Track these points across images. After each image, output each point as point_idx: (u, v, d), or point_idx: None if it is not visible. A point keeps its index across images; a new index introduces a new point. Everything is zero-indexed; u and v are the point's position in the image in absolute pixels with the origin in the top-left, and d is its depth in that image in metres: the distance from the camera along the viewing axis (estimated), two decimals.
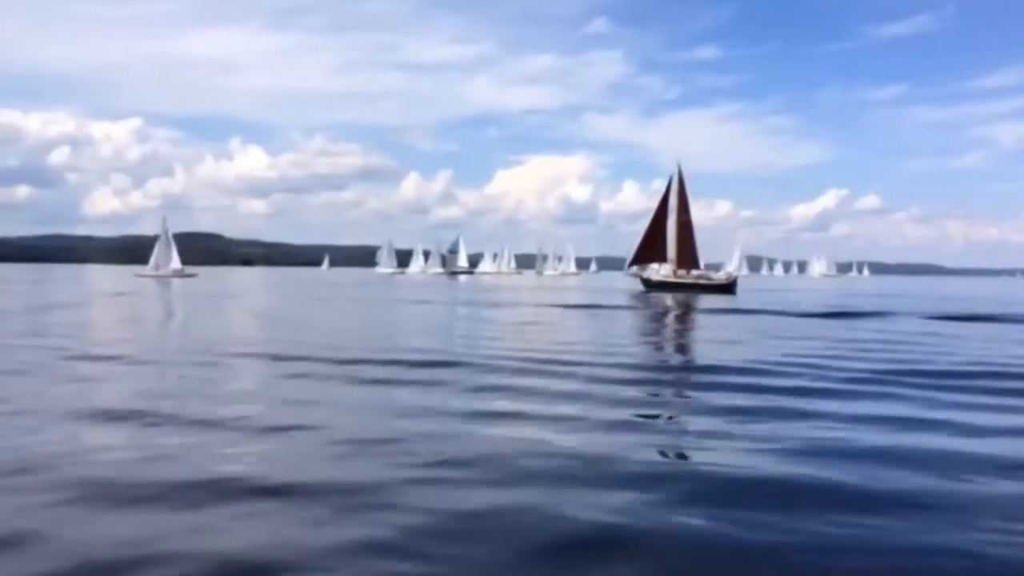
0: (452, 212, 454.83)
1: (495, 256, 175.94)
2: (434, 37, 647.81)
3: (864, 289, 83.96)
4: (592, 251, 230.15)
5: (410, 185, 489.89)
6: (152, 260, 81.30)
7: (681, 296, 52.46)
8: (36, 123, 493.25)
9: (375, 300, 46.05)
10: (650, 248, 61.94)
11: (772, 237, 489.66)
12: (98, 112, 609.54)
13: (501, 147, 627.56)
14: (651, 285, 60.97)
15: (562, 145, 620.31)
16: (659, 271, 62.34)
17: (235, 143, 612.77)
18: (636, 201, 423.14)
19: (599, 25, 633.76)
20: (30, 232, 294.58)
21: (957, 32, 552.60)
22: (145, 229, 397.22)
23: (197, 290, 57.10)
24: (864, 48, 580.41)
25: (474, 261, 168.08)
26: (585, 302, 43.70)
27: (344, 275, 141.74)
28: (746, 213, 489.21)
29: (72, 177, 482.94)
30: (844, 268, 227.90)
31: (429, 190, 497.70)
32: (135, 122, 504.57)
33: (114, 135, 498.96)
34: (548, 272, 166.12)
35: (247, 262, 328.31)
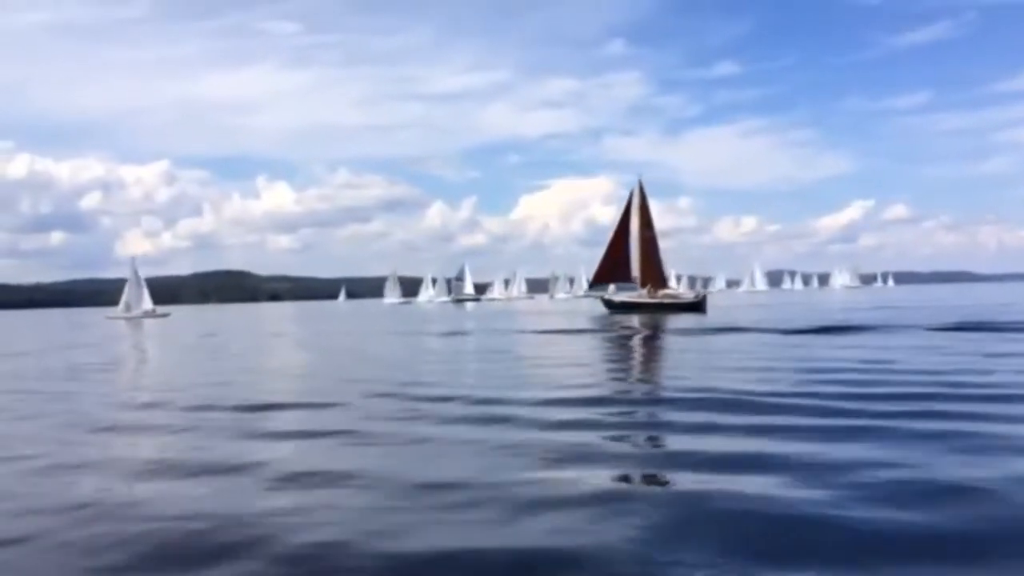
0: (477, 239, 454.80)
1: (506, 281, 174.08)
2: (451, 66, 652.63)
3: (866, 300, 79.85)
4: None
5: (435, 214, 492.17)
6: (122, 301, 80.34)
7: (647, 317, 49.70)
8: (67, 170, 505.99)
9: (353, 334, 43.50)
10: (611, 267, 59.12)
11: (799, 251, 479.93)
12: (127, 156, 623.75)
13: (523, 172, 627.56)
14: (614, 306, 58.11)
15: (584, 168, 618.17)
16: (615, 291, 59.46)
17: (261, 180, 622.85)
18: (661, 220, 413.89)
19: (616, 47, 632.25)
20: (65, 277, 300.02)
21: (977, 37, 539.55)
22: (176, 270, 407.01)
23: (175, 331, 54.94)
24: (884, 57, 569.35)
25: (481, 287, 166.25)
26: (544, 327, 40.92)
27: (356, 307, 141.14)
28: (772, 228, 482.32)
29: (104, 221, 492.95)
30: (868, 279, 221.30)
31: (454, 218, 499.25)
32: (163, 164, 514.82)
33: (143, 178, 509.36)
34: (560, 295, 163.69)
35: (275, 297, 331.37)
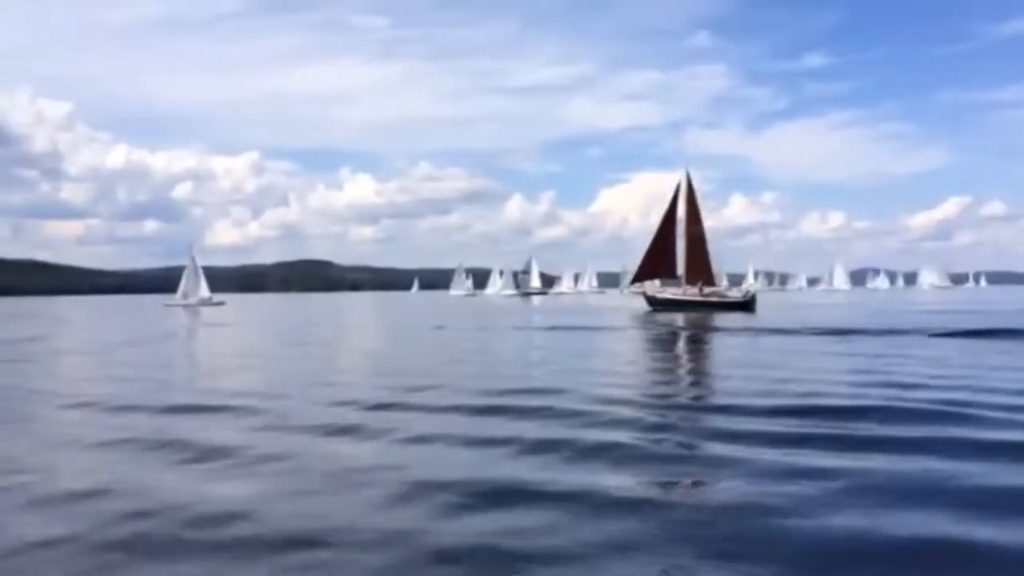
0: (556, 232, 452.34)
1: (576, 276, 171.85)
2: (534, 60, 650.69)
3: (947, 301, 74.85)
4: None
5: (514, 207, 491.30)
6: (180, 289, 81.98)
7: (693, 315, 47.32)
8: (162, 160, 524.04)
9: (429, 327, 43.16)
10: (655, 263, 56.54)
11: (890, 248, 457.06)
12: (219, 147, 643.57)
13: (604, 166, 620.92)
14: (656, 303, 55.60)
15: (666, 161, 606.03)
16: (661, 287, 56.90)
17: (345, 172, 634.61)
18: (744, 215, 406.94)
19: (701, 38, 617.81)
20: (159, 264, 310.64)
21: None
22: (262, 258, 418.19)
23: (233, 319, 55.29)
24: (983, 48, 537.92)
25: (550, 281, 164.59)
26: (584, 324, 39.38)
27: (424, 298, 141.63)
28: (861, 224, 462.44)
29: (195, 211, 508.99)
30: (959, 279, 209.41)
31: (533, 211, 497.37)
32: (252, 156, 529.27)
33: (233, 169, 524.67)
34: (628, 290, 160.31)
35: (356, 287, 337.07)
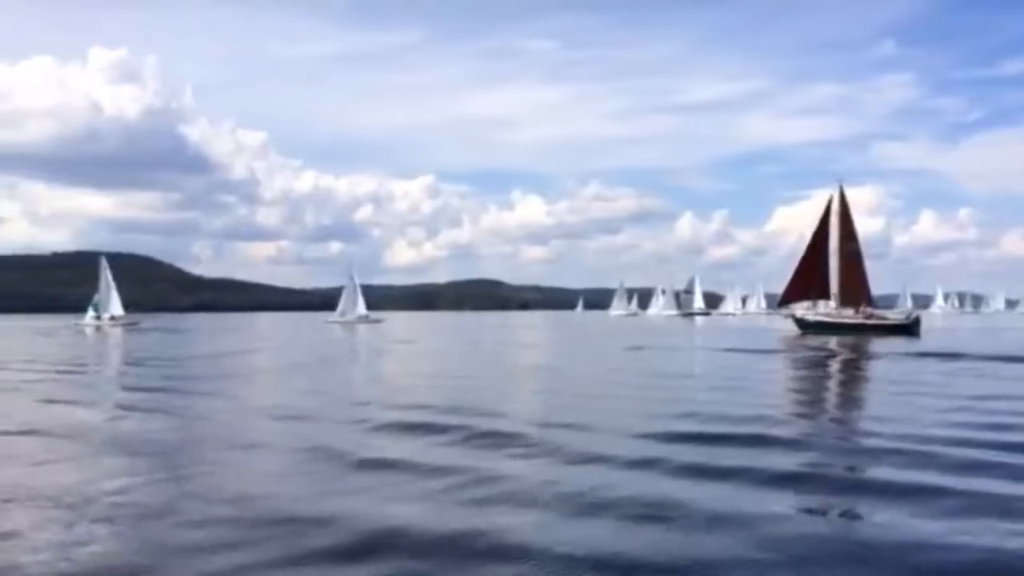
0: (728, 251, 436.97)
1: (744, 297, 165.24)
2: (706, 76, 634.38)
3: None
4: (884, 287, 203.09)
5: (684, 226, 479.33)
6: (340, 307, 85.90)
7: (849, 339, 44.16)
8: (345, 185, 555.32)
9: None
10: (806, 283, 53.05)
11: None
12: (397, 172, 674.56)
13: (780, 183, 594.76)
14: (807, 326, 52.13)
15: (848, 177, 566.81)
16: (813, 309, 53.33)
17: (516, 193, 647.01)
18: (936, 232, 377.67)
19: (886, 48, 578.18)
20: (340, 283, 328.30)
21: None
22: (436, 277, 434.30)
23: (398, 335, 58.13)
24: None
25: (714, 301, 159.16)
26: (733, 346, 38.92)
27: (585, 317, 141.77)
28: None
29: (375, 232, 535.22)
30: None
31: (704, 230, 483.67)
32: (428, 179, 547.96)
33: (410, 192, 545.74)
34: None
35: (525, 306, 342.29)
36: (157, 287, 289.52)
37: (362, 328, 75.20)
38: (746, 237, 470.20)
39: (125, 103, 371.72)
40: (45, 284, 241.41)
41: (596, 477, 8.93)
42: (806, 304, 53.88)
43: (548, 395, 18.63)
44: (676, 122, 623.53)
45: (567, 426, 12.67)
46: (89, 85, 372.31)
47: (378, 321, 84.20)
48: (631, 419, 13.41)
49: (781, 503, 7.97)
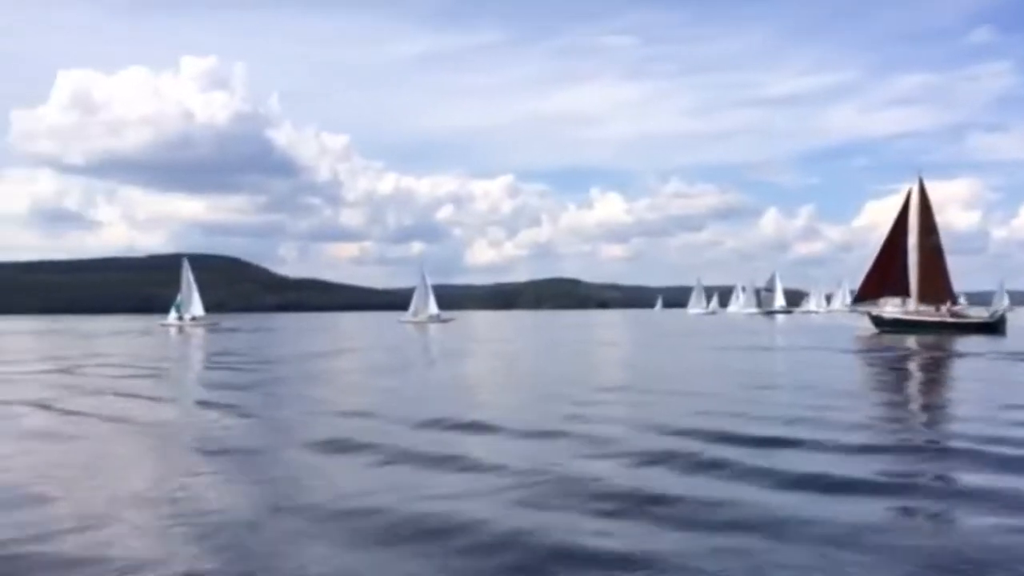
0: (815, 247, 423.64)
1: (828, 295, 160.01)
2: (790, 69, 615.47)
3: None
4: (980, 284, 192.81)
5: (768, 222, 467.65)
6: (411, 307, 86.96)
7: (929, 338, 42.40)
8: (427, 186, 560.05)
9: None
10: (883, 279, 50.96)
11: None
12: (477, 172, 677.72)
13: (869, 176, 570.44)
14: (884, 324, 50.15)
15: (941, 169, 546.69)
16: (888, 307, 51.25)
17: (595, 191, 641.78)
18: None
19: (982, 35, 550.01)
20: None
21: None
22: (516, 276, 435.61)
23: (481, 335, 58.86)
24: None
25: (795, 298, 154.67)
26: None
27: (664, 316, 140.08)
28: None
29: (456, 232, 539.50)
30: None
31: (789, 226, 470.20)
32: (508, 178, 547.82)
33: (490, 191, 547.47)
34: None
35: (604, 305, 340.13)
36: (244, 288, 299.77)
37: (433, 327, 75.98)
38: (833, 233, 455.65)
39: (215, 110, 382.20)
40: (142, 285, 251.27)
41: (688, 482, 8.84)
42: (887, 301, 51.73)
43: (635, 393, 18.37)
44: (758, 116, 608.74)
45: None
46: (181, 93, 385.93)
47: (449, 320, 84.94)
48: (723, 421, 13.17)
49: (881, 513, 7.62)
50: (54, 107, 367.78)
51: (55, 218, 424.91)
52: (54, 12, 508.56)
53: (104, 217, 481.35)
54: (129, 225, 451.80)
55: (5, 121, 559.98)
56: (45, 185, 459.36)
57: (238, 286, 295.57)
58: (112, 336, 61.06)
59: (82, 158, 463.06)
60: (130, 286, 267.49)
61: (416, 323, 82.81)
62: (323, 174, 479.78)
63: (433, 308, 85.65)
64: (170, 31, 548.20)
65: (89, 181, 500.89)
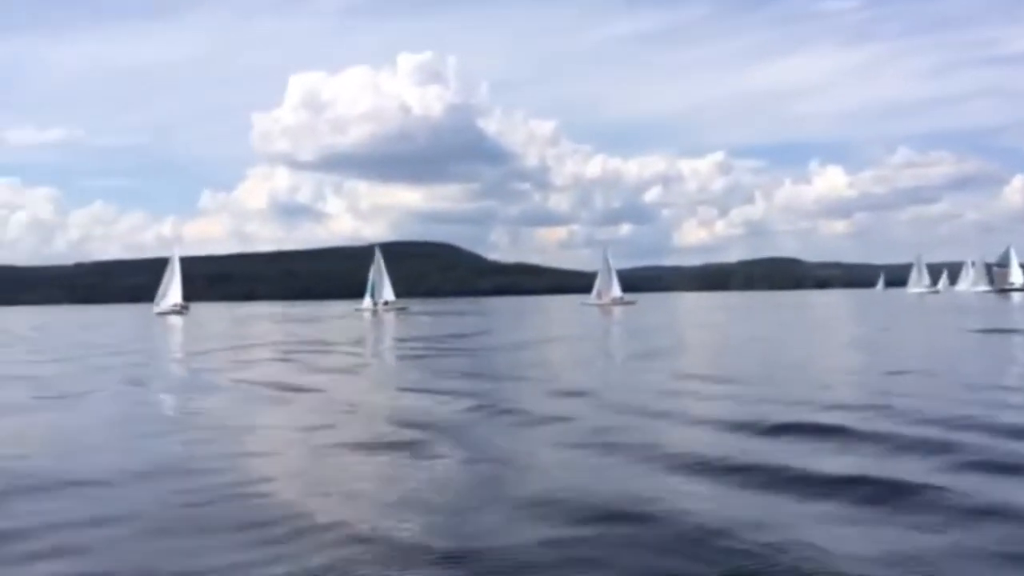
0: None
1: None
2: None
3: None
4: None
5: (1016, 190, 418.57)
6: (595, 289, 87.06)
7: None
8: (634, 167, 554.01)
9: None
10: None
11: None
12: (686, 151, 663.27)
13: None
14: None
15: None
16: None
17: (813, 165, 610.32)
18: None
19: None
20: (630, 265, 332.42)
21: None
22: (727, 257, 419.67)
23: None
24: None
25: None
26: None
27: (887, 297, 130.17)
28: None
29: (664, 212, 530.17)
30: None
31: None
32: (718, 156, 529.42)
33: (700, 170, 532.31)
34: None
35: (822, 284, 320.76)
36: (458, 273, 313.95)
37: (617, 310, 76.02)
38: None
39: (430, 102, 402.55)
40: (366, 272, 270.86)
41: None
42: None
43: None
44: (996, 76, 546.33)
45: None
46: (399, 88, 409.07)
47: (632, 303, 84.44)
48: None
49: None
50: (287, 109, 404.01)
51: (290, 211, 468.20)
52: (285, 22, 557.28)
53: (332, 209, 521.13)
54: (354, 216, 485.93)
55: (247, 124, 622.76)
56: (281, 181, 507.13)
57: (453, 271, 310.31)
58: (336, 319, 66.10)
59: (312, 155, 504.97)
60: (356, 272, 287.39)
61: (600, 305, 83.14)
62: (532, 160, 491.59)
63: (616, 290, 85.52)
64: (388, 30, 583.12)
65: (318, 176, 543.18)
